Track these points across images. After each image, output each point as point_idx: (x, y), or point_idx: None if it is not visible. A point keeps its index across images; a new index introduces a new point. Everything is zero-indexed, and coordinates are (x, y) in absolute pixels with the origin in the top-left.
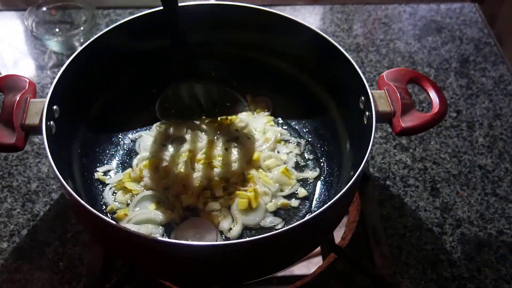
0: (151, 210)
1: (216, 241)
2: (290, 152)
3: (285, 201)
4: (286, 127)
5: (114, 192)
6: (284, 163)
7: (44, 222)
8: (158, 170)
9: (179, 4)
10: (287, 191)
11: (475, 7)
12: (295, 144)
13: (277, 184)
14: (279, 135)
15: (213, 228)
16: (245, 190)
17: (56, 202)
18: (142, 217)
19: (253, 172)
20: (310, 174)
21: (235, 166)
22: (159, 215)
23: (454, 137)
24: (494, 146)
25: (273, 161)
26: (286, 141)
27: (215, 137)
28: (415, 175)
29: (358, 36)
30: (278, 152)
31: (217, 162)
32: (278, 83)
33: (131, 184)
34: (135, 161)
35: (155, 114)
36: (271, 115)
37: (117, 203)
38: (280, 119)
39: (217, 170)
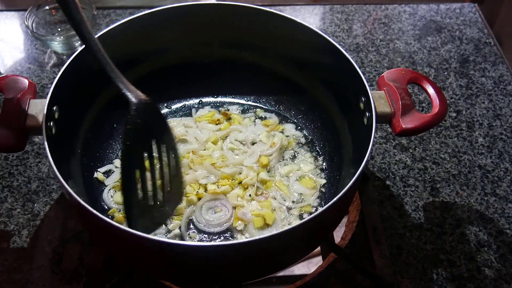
0: None
1: (231, 217)
2: (305, 160)
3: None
4: (300, 135)
5: (112, 194)
6: (300, 170)
7: (44, 222)
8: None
9: (180, 4)
10: (309, 201)
11: (475, 7)
12: (311, 154)
13: (295, 194)
14: (285, 141)
15: (228, 204)
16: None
17: (56, 202)
18: None
19: (267, 177)
20: (319, 181)
21: (244, 169)
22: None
23: (454, 137)
24: (494, 146)
25: (289, 168)
26: (300, 145)
27: (219, 139)
28: (415, 175)
29: (358, 36)
30: (295, 158)
31: (222, 164)
32: (277, 83)
33: None
34: None
35: None
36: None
37: (116, 205)
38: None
39: (225, 169)
